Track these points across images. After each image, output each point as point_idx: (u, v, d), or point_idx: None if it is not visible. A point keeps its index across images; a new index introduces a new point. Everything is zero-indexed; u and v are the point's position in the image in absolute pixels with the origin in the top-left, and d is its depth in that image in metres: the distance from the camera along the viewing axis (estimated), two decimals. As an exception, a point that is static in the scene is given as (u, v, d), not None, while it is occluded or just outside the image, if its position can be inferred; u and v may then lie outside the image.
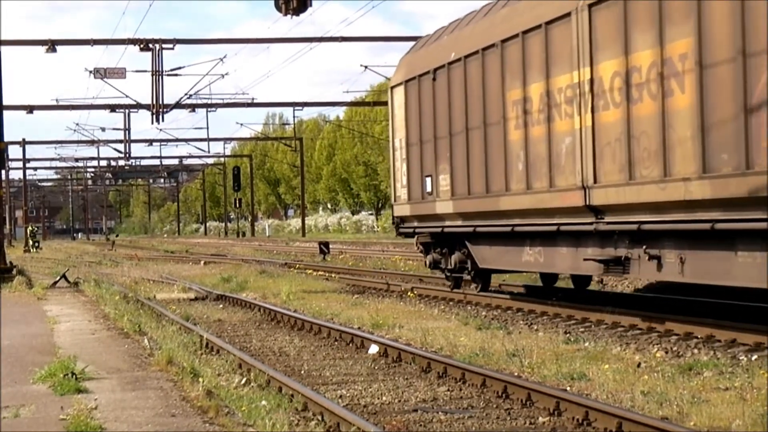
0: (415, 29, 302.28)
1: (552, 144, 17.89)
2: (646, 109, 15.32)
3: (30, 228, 79.78)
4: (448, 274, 23.85)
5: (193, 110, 70.13)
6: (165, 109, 51.54)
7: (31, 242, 76.35)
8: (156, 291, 28.32)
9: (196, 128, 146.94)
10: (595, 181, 16.71)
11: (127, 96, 59.25)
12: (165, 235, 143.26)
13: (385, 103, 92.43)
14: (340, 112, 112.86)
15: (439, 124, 22.50)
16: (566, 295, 21.37)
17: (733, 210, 13.75)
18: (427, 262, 24.54)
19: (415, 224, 24.40)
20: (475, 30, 21.27)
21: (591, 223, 17.02)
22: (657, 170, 15.07)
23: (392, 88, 25.30)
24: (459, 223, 21.95)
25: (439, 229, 22.97)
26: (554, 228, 18.07)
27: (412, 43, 28.48)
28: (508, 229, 19.64)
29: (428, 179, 23.07)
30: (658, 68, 14.96)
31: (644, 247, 15.82)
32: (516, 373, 13.07)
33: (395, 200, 25.30)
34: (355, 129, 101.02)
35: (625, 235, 16.37)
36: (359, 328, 18.47)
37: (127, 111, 65.11)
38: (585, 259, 17.46)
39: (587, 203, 16.92)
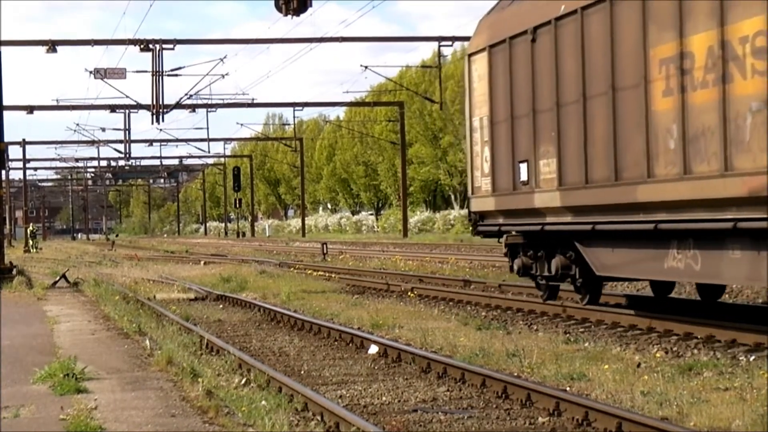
0: (411, 29, 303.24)
1: (728, 113, 13.75)
2: None
3: (30, 228, 79.84)
4: (543, 282, 19.88)
5: (193, 110, 70.43)
6: (165, 110, 51.67)
7: (30, 242, 76.35)
8: (156, 291, 28.31)
9: (196, 128, 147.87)
10: None
11: (127, 96, 59.51)
12: (165, 236, 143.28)
13: (386, 104, 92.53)
14: (340, 113, 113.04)
15: (540, 94, 18.42)
16: (683, 309, 18.19)
17: None
18: (515, 268, 20.35)
19: (501, 221, 20.32)
20: None
21: None
22: None
23: (470, 56, 21.11)
24: (567, 219, 17.96)
25: (538, 227, 18.80)
26: (729, 225, 13.88)
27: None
28: (650, 226, 15.48)
29: (523, 165, 19.01)
30: None
31: None
32: (516, 374, 13.06)
33: (473, 192, 21.13)
34: (355, 129, 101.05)
35: None
36: (359, 328, 18.47)
37: (127, 111, 65.29)
38: None
39: None
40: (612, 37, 16.29)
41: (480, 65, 20.57)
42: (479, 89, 20.65)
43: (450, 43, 55.30)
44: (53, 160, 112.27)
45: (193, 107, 68.66)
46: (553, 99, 17.92)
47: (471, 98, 21.01)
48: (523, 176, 18.98)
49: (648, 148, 15.40)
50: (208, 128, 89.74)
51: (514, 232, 20.04)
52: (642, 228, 15.73)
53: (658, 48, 15.17)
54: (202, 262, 46.21)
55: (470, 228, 21.88)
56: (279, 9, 23.34)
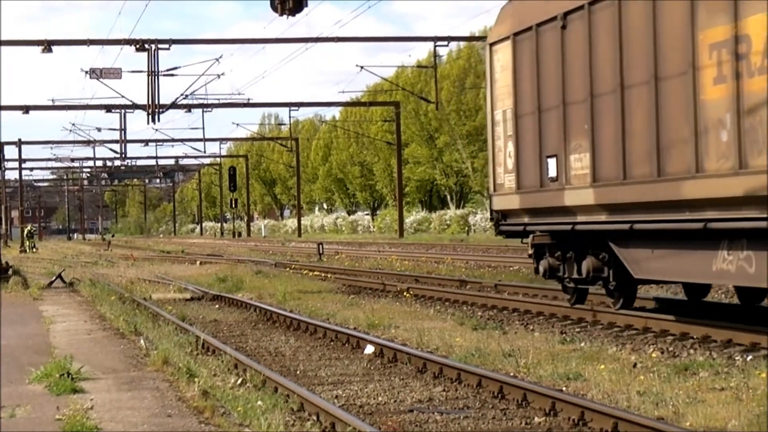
0: (406, 29, 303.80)
1: None
2: None
3: (28, 228, 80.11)
4: (571, 285, 18.74)
5: (189, 110, 70.33)
6: (161, 110, 51.57)
7: (27, 243, 76.52)
8: (152, 291, 28.30)
9: (192, 128, 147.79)
10: None
11: (123, 96, 59.42)
12: (161, 236, 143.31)
13: (381, 104, 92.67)
14: (335, 113, 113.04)
15: (571, 84, 17.28)
16: (722, 313, 17.14)
17: None
18: (541, 270, 19.20)
19: (526, 220, 19.16)
20: None
21: None
22: None
23: (491, 45, 19.84)
24: (602, 218, 16.78)
25: (568, 227, 17.66)
26: None
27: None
28: (698, 225, 14.31)
29: (551, 161, 17.87)
30: None
31: None
32: (512, 374, 13.07)
33: (495, 190, 19.90)
34: (351, 129, 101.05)
35: None
36: (355, 328, 18.46)
37: (123, 111, 65.11)
38: None
39: None
40: (654, 22, 15.09)
41: (503, 55, 19.39)
42: (502, 80, 19.49)
43: (446, 43, 55.29)
44: (49, 160, 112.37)
45: (188, 107, 68.63)
46: (586, 89, 16.82)
47: (493, 90, 19.83)
48: (552, 172, 17.90)
49: (696, 141, 14.23)
50: (203, 128, 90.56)
51: (538, 232, 18.84)
52: (688, 227, 14.60)
53: (708, 32, 14.00)
54: (198, 262, 46.20)
55: (493, 227, 20.52)
56: (275, 9, 23.29)
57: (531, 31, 18.42)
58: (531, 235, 18.98)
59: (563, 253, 18.58)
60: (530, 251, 19.37)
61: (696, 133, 14.23)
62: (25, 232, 79.29)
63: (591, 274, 17.69)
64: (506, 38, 19.25)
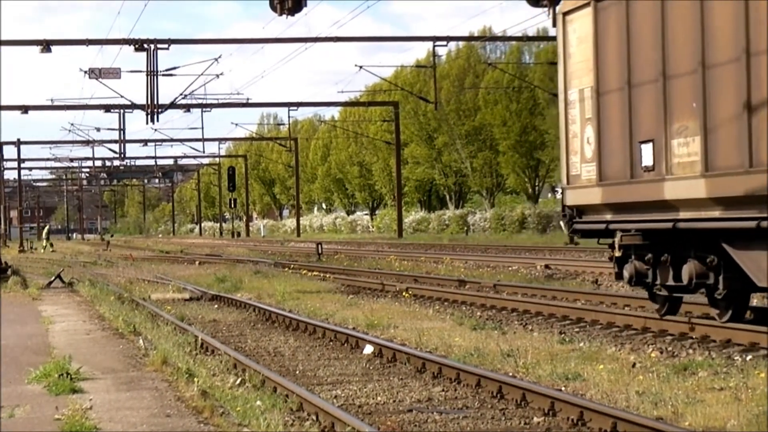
0: (404, 29, 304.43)
1: None
2: None
3: (47, 228, 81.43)
4: (663, 293, 16.28)
5: (188, 110, 70.37)
6: (160, 110, 51.57)
7: (45, 243, 77.78)
8: (151, 291, 28.29)
9: (191, 128, 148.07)
10: None
11: (122, 96, 59.33)
12: (160, 236, 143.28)
13: (380, 104, 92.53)
14: (334, 112, 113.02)
15: (673, 54, 14.69)
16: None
17: None
18: (626, 276, 16.67)
19: (608, 217, 16.61)
20: None
21: None
22: None
23: (565, 15, 17.44)
24: (715, 214, 14.25)
25: (668, 224, 15.09)
26: None
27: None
28: None
29: (646, 146, 15.34)
30: None
31: None
32: (511, 374, 13.07)
33: (569, 182, 17.41)
34: (350, 129, 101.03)
35: None
36: (354, 328, 18.47)
37: (121, 111, 65.12)
38: None
39: None
40: None
41: (581, 25, 16.99)
42: (579, 55, 17.09)
43: (444, 43, 55.25)
44: (48, 160, 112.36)
45: (187, 107, 68.63)
46: (696, 59, 14.27)
47: (566, 66, 17.44)
48: (647, 160, 15.39)
49: None
50: (203, 128, 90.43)
51: (621, 231, 16.41)
52: None
53: None
54: (197, 262, 46.18)
55: (566, 226, 17.84)
56: (274, 9, 23.33)
57: None
58: (619, 235, 16.39)
59: (655, 256, 16.09)
60: (617, 253, 16.73)
61: None
62: (44, 232, 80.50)
63: (694, 280, 15.29)
64: (585, 5, 16.85)
